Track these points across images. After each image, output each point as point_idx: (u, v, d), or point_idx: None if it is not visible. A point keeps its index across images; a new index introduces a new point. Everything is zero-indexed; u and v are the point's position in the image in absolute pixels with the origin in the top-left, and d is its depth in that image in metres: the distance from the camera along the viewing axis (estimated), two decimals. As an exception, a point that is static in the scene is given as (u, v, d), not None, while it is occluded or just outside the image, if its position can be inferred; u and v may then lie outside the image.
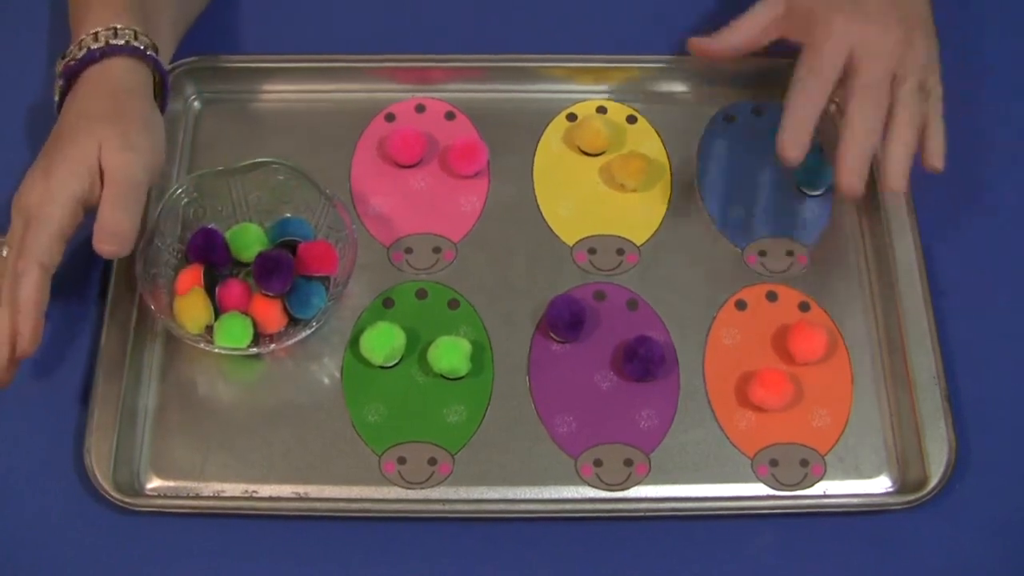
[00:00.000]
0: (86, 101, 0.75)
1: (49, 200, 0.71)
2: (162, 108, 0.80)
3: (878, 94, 0.77)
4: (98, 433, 0.76)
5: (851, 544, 0.76)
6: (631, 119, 0.89)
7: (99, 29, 0.76)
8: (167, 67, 0.82)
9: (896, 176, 0.77)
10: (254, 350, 0.78)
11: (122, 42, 0.76)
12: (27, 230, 0.71)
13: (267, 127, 0.88)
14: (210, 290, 0.78)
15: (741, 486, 0.77)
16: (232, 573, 0.75)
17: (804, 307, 0.82)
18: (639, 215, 0.85)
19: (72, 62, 0.76)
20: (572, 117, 0.89)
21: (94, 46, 0.76)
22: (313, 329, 0.78)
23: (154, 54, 0.78)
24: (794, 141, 0.77)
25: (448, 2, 0.94)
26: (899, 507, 0.76)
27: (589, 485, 0.77)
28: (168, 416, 0.79)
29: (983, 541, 0.76)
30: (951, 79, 0.92)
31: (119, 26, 0.77)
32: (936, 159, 0.79)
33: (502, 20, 0.94)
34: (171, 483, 0.77)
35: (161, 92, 0.80)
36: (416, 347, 0.80)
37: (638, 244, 0.84)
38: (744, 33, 0.82)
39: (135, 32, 0.77)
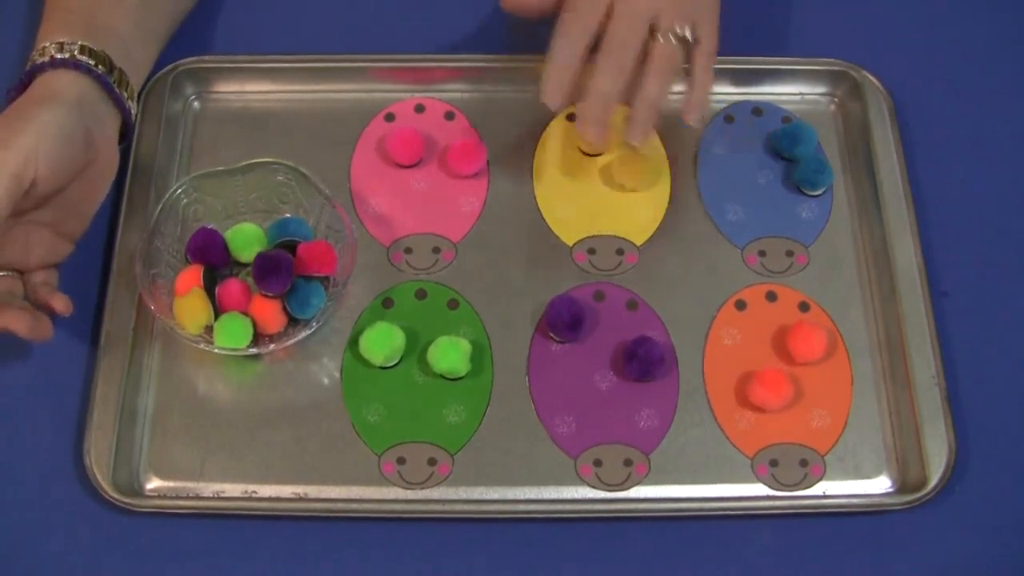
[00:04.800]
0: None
1: None
2: (123, 111, 0.80)
3: (624, 42, 0.77)
4: (98, 433, 0.76)
5: (851, 544, 0.76)
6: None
7: (46, 44, 0.77)
8: (142, 69, 0.83)
9: (632, 128, 0.79)
10: (254, 350, 0.78)
11: (46, 59, 0.77)
12: None
13: (267, 127, 0.88)
14: (210, 290, 0.78)
15: (741, 486, 0.77)
16: (232, 573, 0.75)
17: (804, 307, 0.82)
18: (639, 215, 0.85)
19: (12, 90, 0.78)
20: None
21: (27, 67, 0.77)
22: (313, 329, 0.78)
23: (87, 62, 0.77)
24: (556, 88, 0.78)
25: (448, 2, 0.94)
26: (899, 507, 0.76)
27: (589, 485, 0.77)
28: (168, 416, 0.79)
29: (983, 541, 0.76)
30: (954, 81, 0.92)
31: (51, 42, 0.77)
32: (688, 114, 0.80)
33: (502, 20, 0.93)
34: (171, 483, 0.77)
35: (112, 99, 0.79)
36: (416, 347, 0.80)
37: (638, 244, 0.84)
38: None
39: (62, 44, 0.77)
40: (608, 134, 0.79)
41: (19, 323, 0.74)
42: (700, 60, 0.80)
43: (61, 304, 0.76)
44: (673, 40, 0.78)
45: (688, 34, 0.79)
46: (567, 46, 0.78)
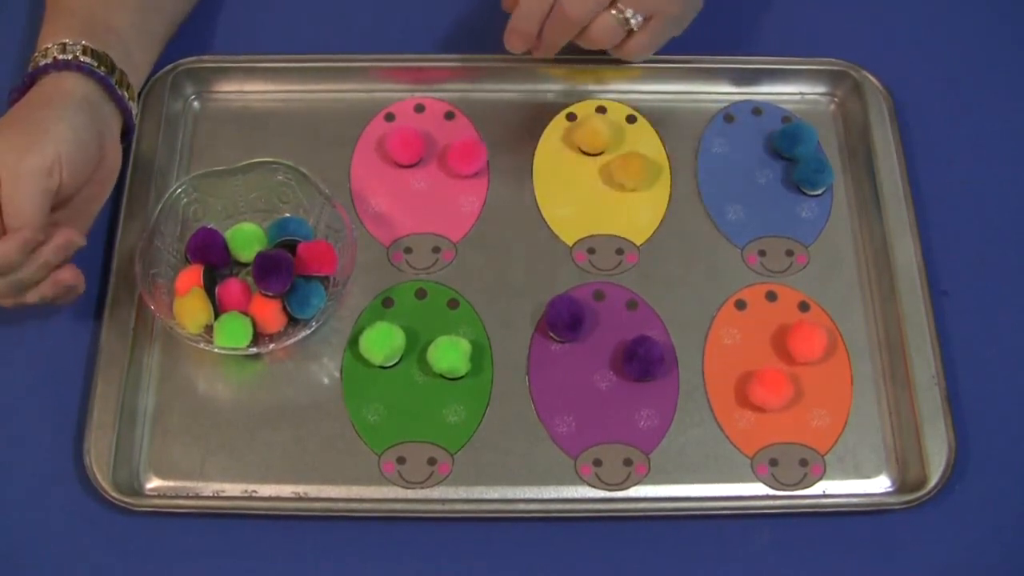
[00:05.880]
0: (6, 115, 0.76)
1: None
2: (124, 112, 0.80)
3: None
4: (98, 433, 0.76)
5: (851, 544, 0.76)
6: (631, 119, 0.89)
7: (48, 45, 0.78)
8: (141, 70, 0.83)
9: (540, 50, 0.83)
10: (253, 350, 0.78)
11: (49, 60, 0.77)
12: None
13: (267, 127, 0.88)
14: (210, 290, 0.78)
15: (741, 486, 0.77)
16: (232, 573, 0.75)
17: (804, 307, 0.82)
18: (639, 215, 0.85)
19: (14, 91, 0.78)
20: (572, 117, 0.89)
21: (29, 68, 0.78)
22: (312, 329, 0.78)
23: (90, 63, 0.77)
24: (521, 33, 0.82)
25: (448, 2, 0.94)
26: (899, 507, 0.76)
27: (588, 485, 0.77)
28: (168, 416, 0.79)
29: (983, 541, 0.76)
30: (954, 81, 0.92)
31: (53, 43, 0.78)
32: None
33: (502, 20, 0.93)
34: (171, 483, 0.77)
35: (114, 101, 0.79)
36: (416, 347, 0.80)
37: (637, 244, 0.84)
38: None
39: (64, 45, 0.78)
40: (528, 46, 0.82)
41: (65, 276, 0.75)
42: (633, 40, 0.82)
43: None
44: (617, 19, 0.80)
45: (633, 22, 0.80)
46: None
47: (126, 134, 0.82)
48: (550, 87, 0.90)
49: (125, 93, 0.80)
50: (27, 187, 0.72)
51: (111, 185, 0.80)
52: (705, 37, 0.90)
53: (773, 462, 0.77)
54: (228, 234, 0.81)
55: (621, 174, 0.86)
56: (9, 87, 0.79)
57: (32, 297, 0.75)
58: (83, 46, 0.78)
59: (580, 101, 0.89)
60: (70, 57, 0.77)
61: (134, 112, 0.81)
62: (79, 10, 0.81)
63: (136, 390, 0.79)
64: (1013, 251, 0.85)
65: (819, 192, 0.86)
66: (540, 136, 0.88)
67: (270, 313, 0.78)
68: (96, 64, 0.78)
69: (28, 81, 0.78)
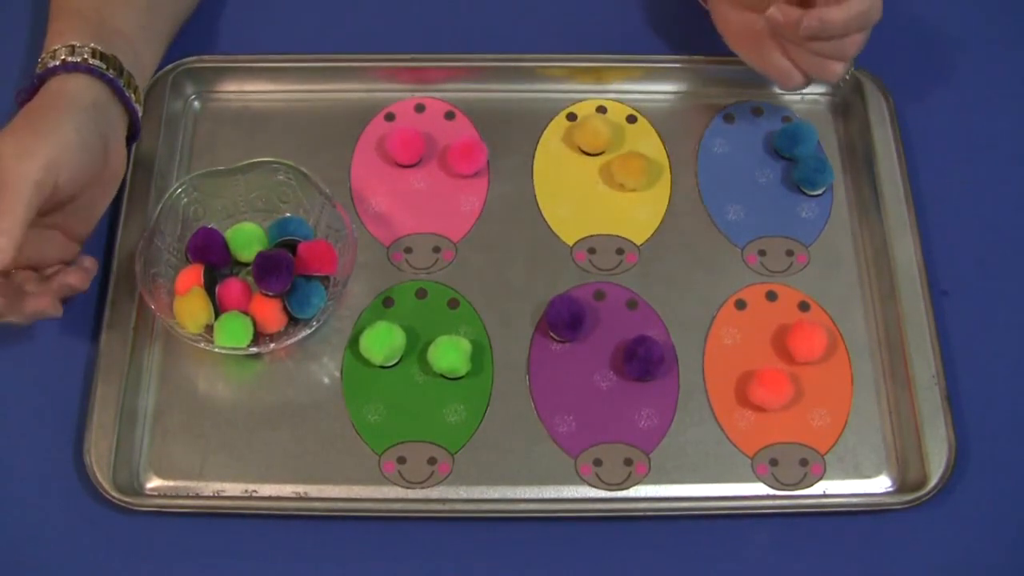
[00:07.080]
0: (16, 116, 0.76)
1: None
2: (131, 114, 0.80)
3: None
4: (98, 433, 0.76)
5: (851, 544, 0.76)
6: (631, 119, 0.89)
7: (57, 47, 0.78)
8: (147, 72, 0.83)
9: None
10: (254, 350, 0.78)
11: (58, 62, 0.77)
12: None
13: (267, 127, 0.88)
14: (210, 290, 0.78)
15: (741, 486, 0.77)
16: (232, 573, 0.75)
17: (804, 307, 0.82)
18: (639, 215, 0.85)
19: (22, 92, 0.78)
20: (572, 117, 0.89)
21: (37, 70, 0.77)
22: (313, 329, 0.78)
23: (99, 66, 0.77)
24: None
25: (448, 2, 0.94)
26: (899, 507, 0.76)
27: (589, 484, 0.77)
28: (168, 416, 0.79)
29: (983, 541, 0.76)
30: (954, 81, 0.92)
31: (62, 45, 0.78)
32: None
33: (502, 20, 0.94)
34: (171, 483, 0.77)
35: (122, 103, 0.79)
36: (416, 347, 0.80)
37: (638, 244, 0.84)
38: None
39: (73, 47, 0.77)
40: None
41: (42, 301, 0.74)
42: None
43: (84, 271, 0.77)
44: None
45: None
46: None
47: (133, 137, 0.82)
48: (550, 87, 0.90)
49: (132, 95, 0.80)
50: (18, 186, 0.71)
51: (115, 188, 0.80)
52: (705, 37, 0.90)
53: (773, 462, 0.77)
54: (228, 234, 0.81)
55: (621, 174, 0.86)
56: (12, 87, 0.79)
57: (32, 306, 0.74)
58: (92, 48, 0.78)
59: (580, 101, 0.89)
60: (79, 59, 0.77)
61: (140, 114, 0.81)
62: (85, 11, 0.81)
63: (136, 390, 0.79)
64: (1013, 251, 0.86)
65: (819, 192, 0.86)
66: (540, 136, 0.88)
67: (270, 313, 0.78)
68: (105, 67, 0.78)
69: (37, 83, 0.77)
